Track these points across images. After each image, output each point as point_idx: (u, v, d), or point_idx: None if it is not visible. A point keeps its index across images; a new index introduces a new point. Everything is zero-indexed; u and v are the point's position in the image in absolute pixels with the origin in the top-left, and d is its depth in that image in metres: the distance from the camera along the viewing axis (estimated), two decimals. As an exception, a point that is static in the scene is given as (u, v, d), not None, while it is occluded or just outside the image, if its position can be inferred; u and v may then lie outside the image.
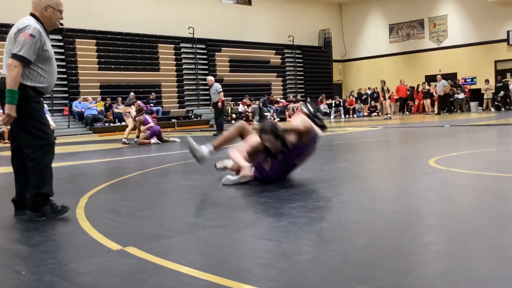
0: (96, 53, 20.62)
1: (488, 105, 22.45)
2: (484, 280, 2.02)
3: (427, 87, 23.55)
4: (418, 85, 24.37)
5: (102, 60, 20.66)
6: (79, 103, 19.48)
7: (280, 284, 2.08)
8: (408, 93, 24.46)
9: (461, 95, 23.16)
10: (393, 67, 27.98)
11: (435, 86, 22.51)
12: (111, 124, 19.23)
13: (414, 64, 27.25)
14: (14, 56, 3.37)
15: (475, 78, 24.56)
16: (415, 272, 2.14)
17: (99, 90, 20.61)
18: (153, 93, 21.30)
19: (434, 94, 22.58)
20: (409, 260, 2.31)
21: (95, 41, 20.72)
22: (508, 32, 23.95)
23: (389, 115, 20.24)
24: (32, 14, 3.56)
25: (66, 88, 20.06)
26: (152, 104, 20.74)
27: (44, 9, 3.54)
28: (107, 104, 19.97)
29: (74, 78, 20.15)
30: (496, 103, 22.16)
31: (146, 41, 22.11)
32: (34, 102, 3.49)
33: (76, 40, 20.14)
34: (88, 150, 10.62)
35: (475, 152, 6.79)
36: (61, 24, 3.76)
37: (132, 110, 12.44)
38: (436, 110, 21.86)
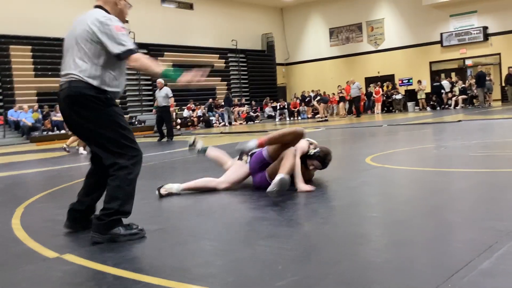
0: (32, 60, 19.88)
1: (423, 105, 23.44)
2: (412, 265, 2.16)
3: (339, 91, 24.49)
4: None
5: (39, 66, 19.93)
6: (15, 111, 18.70)
7: (219, 280, 2.13)
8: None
9: (398, 96, 24.08)
10: (334, 70, 28.70)
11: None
12: (50, 133, 18.57)
13: (354, 67, 28.07)
14: (125, 53, 2.89)
15: (411, 79, 25.62)
16: (345, 262, 2.25)
17: (36, 97, 19.87)
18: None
19: (347, 96, 23.52)
20: (341, 251, 2.42)
21: (30, 47, 19.96)
22: (441, 34, 25.15)
23: (322, 118, 21.52)
24: (99, 7, 3.05)
25: (0, 97, 19.20)
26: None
27: (118, 0, 3.09)
28: (44, 112, 19.27)
29: (9, 86, 19.32)
30: (431, 103, 23.17)
31: (86, 46, 21.50)
32: (114, 106, 3.00)
33: (10, 46, 19.34)
34: (25, 160, 10.22)
35: (410, 149, 7.12)
36: (126, 21, 3.26)
37: None
38: (352, 111, 22.88)
